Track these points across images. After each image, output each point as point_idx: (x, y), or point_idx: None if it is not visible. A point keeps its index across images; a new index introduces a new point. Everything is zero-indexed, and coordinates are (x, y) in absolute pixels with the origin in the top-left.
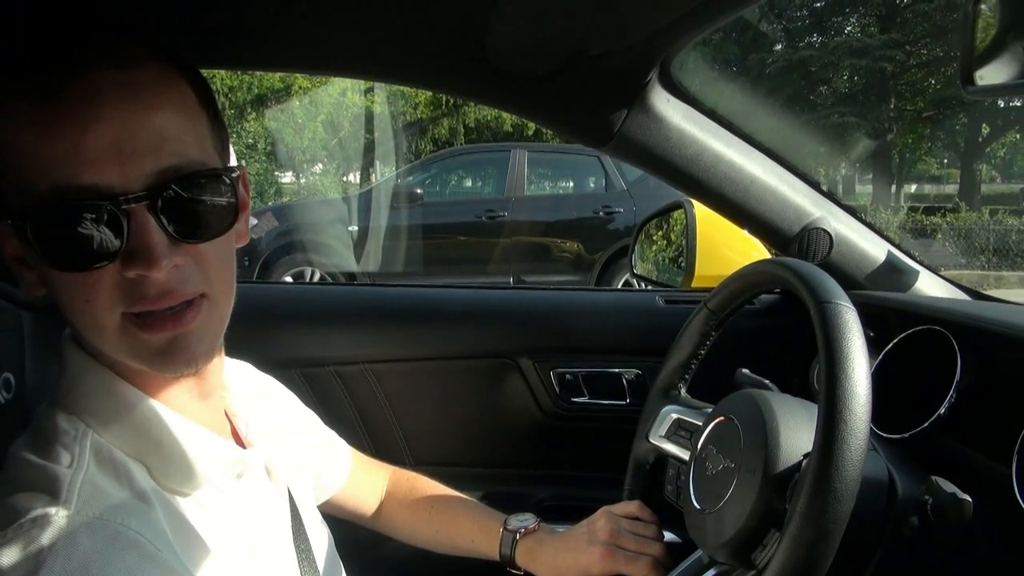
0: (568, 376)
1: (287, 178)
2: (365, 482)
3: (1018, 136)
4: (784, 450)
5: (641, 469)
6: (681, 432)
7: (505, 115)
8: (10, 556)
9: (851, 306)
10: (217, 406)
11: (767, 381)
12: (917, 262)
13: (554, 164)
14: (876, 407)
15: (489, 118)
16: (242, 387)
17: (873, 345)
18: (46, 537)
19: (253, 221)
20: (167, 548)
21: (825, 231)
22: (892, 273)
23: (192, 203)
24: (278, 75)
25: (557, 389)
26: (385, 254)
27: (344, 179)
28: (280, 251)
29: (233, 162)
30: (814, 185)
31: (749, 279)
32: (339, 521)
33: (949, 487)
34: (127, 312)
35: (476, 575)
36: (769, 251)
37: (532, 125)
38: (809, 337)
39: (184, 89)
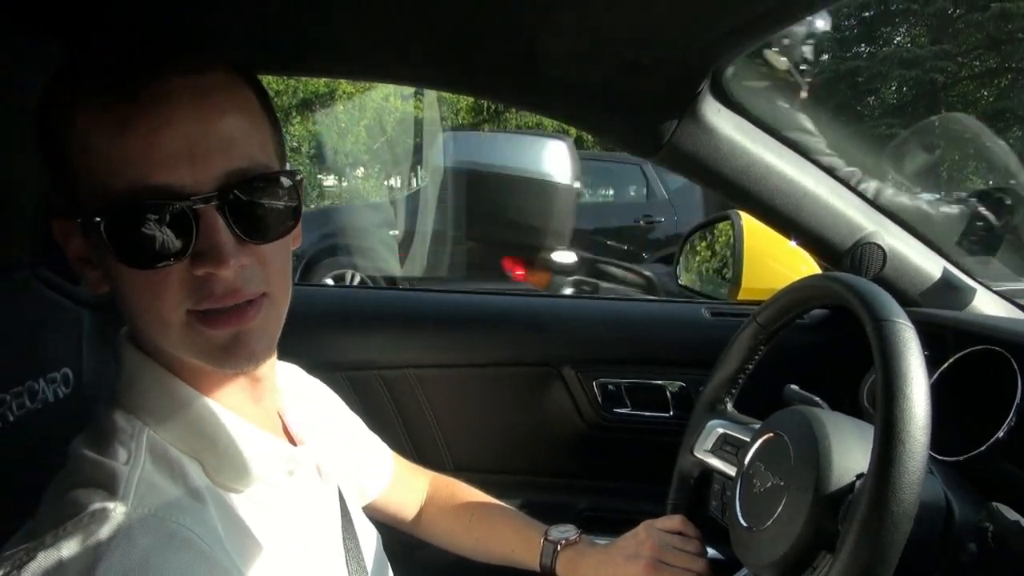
0: (611, 386)
1: (330, 181)
2: (406, 487)
3: None
4: (836, 470)
5: (685, 483)
6: (727, 447)
7: (547, 121)
8: (70, 549)
9: (910, 324)
10: (270, 406)
11: (817, 398)
12: (974, 279)
13: (595, 171)
14: (932, 429)
15: (530, 124)
16: (292, 389)
17: (930, 364)
18: (104, 532)
19: None
20: (219, 546)
21: (878, 246)
22: (948, 290)
23: (258, 205)
24: (323, 80)
25: (599, 399)
26: (427, 259)
27: (386, 183)
28: (323, 253)
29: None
30: (866, 198)
31: (801, 293)
32: (381, 524)
33: (1012, 514)
34: (192, 309)
35: None
36: (819, 265)
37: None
38: (861, 354)
39: (248, 95)
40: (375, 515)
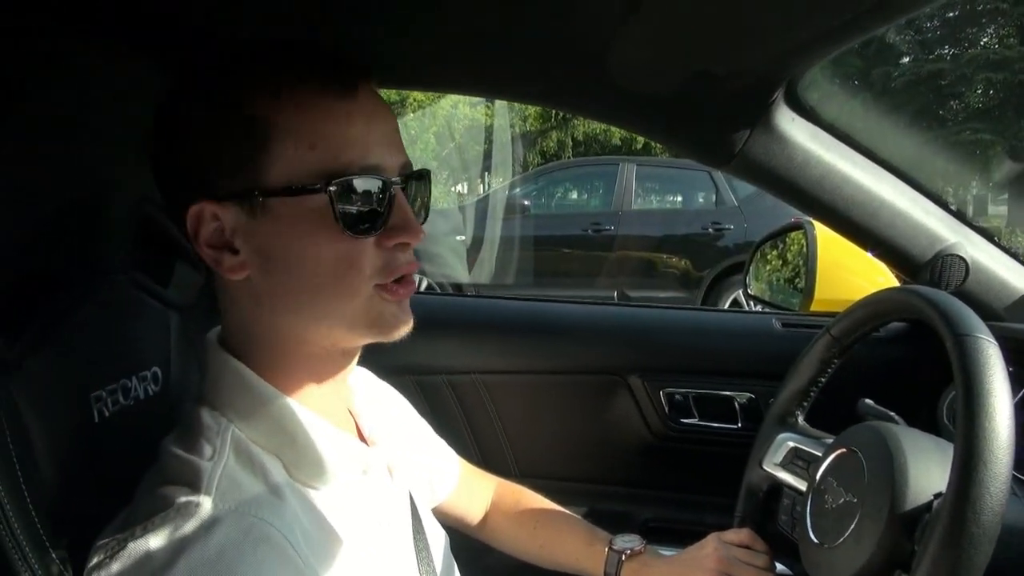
0: (678, 396)
1: None
2: (471, 492)
3: None
4: (913, 488)
5: (754, 496)
6: (798, 461)
7: (614, 128)
8: (157, 540)
9: (993, 340)
10: (344, 405)
11: (893, 413)
12: None
13: (663, 178)
14: (1016, 448)
15: (598, 131)
16: (363, 391)
17: (1014, 381)
18: (188, 525)
19: None
20: (296, 541)
21: (960, 258)
22: None
23: (420, 194)
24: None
25: (666, 409)
26: (495, 265)
27: (454, 189)
28: None
29: None
30: (947, 208)
31: (878, 306)
32: (448, 527)
33: None
34: (378, 283)
35: None
36: (898, 277)
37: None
38: (939, 369)
39: None
40: (441, 518)
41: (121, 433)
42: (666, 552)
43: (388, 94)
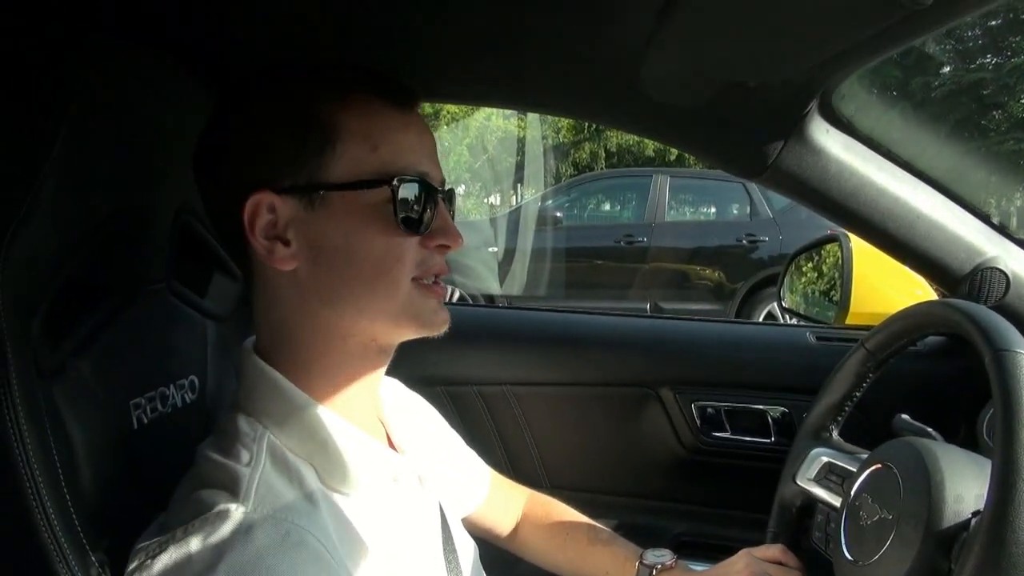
0: (710, 410)
1: None
2: (502, 504)
3: None
4: (950, 505)
5: (786, 512)
6: (832, 477)
7: (647, 140)
8: (197, 544)
9: None
10: (375, 413)
11: (930, 429)
12: None
13: (697, 190)
14: None
15: (631, 143)
16: (393, 401)
17: None
18: (226, 530)
19: None
20: (332, 547)
21: (1000, 271)
22: None
23: (451, 205)
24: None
25: (698, 422)
26: (526, 277)
27: (486, 201)
28: None
29: None
30: (987, 220)
31: (914, 320)
32: (477, 538)
33: None
34: (416, 278)
35: None
36: (935, 291)
37: (675, 150)
38: (978, 385)
39: None
40: (471, 529)
41: (159, 440)
42: (697, 567)
43: (423, 106)
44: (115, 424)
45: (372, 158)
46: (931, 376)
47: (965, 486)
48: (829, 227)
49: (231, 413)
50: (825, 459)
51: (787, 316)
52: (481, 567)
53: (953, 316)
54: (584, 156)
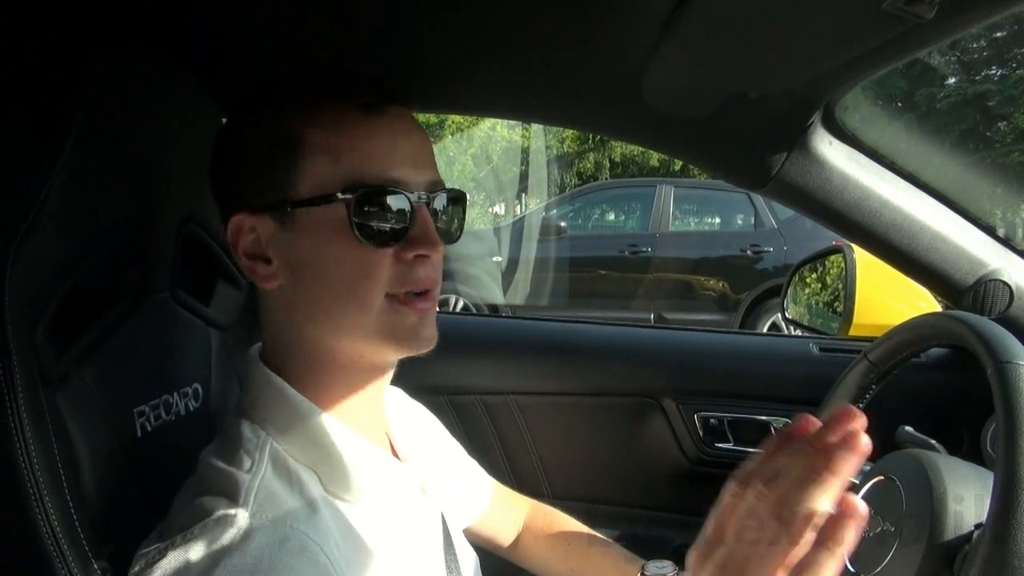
0: (713, 420)
1: None
2: (503, 514)
3: None
4: (953, 518)
5: None
6: None
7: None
8: (196, 550)
9: None
10: (380, 423)
11: (933, 441)
12: None
13: (701, 200)
14: None
15: (635, 153)
16: (395, 410)
17: None
18: (226, 535)
19: None
20: (332, 553)
21: (1004, 283)
22: None
23: (448, 211)
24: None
25: (701, 433)
26: (529, 286)
27: (490, 210)
28: None
29: None
30: (991, 232)
31: (917, 332)
32: (479, 547)
33: None
34: (391, 293)
35: None
36: (938, 302)
37: (679, 161)
38: (982, 397)
39: None
40: (472, 539)
41: (162, 447)
42: None
43: (427, 117)
44: (119, 432)
45: (334, 170)
46: (935, 388)
47: (968, 499)
48: (834, 238)
49: (235, 419)
50: None
51: (791, 327)
52: None
53: (956, 328)
54: (588, 166)
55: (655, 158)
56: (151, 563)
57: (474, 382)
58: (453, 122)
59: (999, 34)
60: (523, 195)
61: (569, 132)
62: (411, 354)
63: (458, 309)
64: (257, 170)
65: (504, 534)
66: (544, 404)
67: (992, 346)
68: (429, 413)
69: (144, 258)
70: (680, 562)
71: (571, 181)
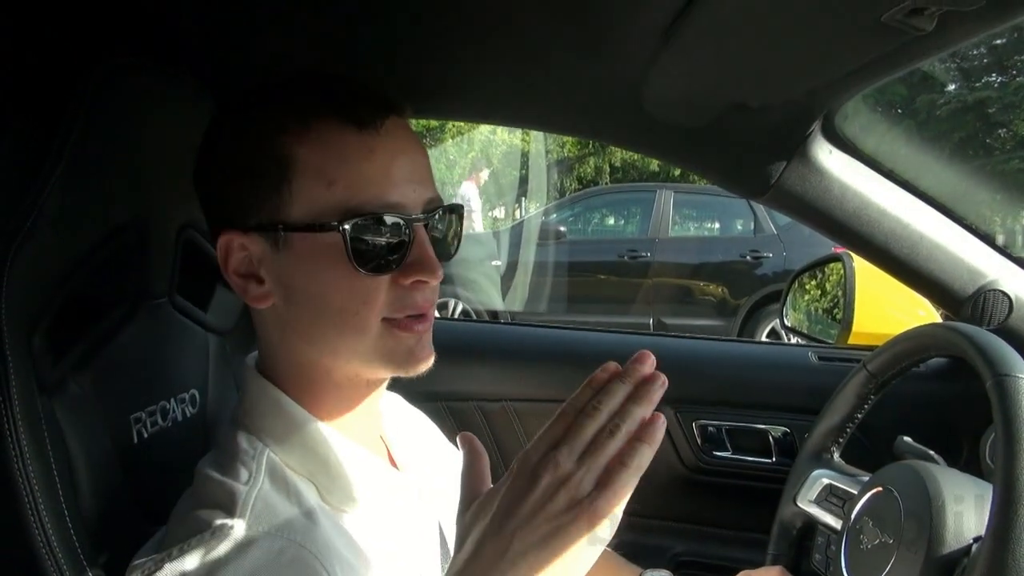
0: (711, 428)
1: None
2: None
3: None
4: (951, 530)
5: (787, 534)
6: (832, 499)
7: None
8: (192, 562)
9: None
10: (376, 430)
11: (932, 452)
12: None
13: (701, 206)
14: None
15: (635, 158)
16: (394, 417)
17: None
18: (222, 547)
19: None
20: (329, 563)
21: (1004, 293)
22: None
23: (447, 230)
24: None
25: (699, 441)
26: (529, 291)
27: (490, 214)
28: None
29: None
30: (991, 241)
31: (916, 342)
32: None
33: None
34: (387, 317)
35: None
36: (937, 311)
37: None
38: (981, 408)
39: None
40: None
41: (159, 454)
42: None
43: (427, 121)
44: (115, 438)
45: (328, 195)
46: (934, 398)
47: (966, 511)
48: (834, 244)
49: (231, 430)
50: (826, 481)
51: (790, 335)
52: None
53: (955, 339)
54: (588, 170)
55: (655, 163)
56: (147, 574)
57: (472, 388)
58: (453, 125)
59: (999, 41)
60: (523, 199)
61: (569, 137)
62: (408, 375)
63: (457, 313)
64: (245, 188)
65: None
66: (542, 411)
67: (991, 358)
68: (427, 420)
69: (143, 263)
70: (677, 570)
71: (571, 185)
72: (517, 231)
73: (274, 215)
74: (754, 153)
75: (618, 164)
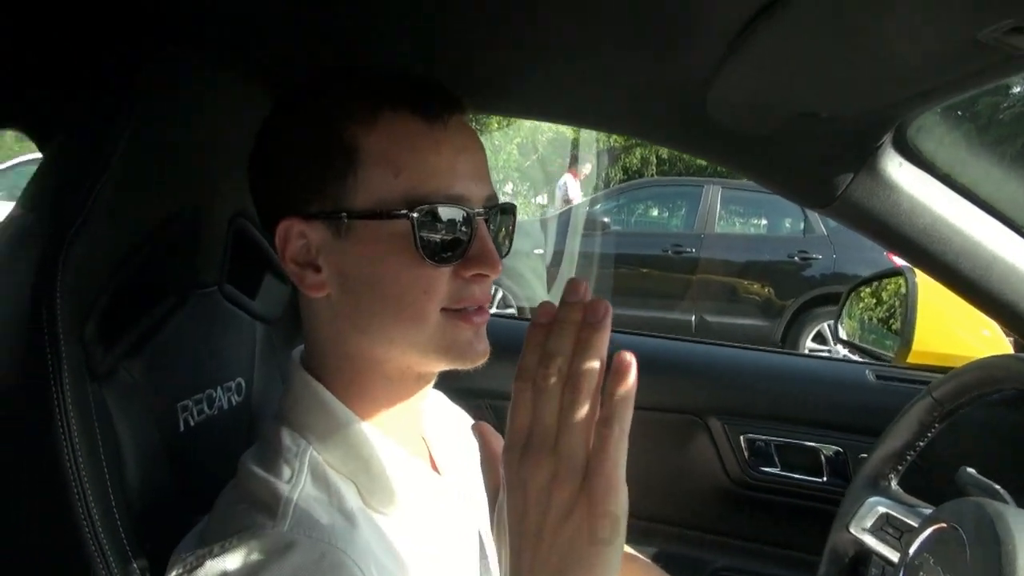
0: (760, 443)
1: None
2: None
3: None
4: None
5: (838, 560)
6: (889, 529)
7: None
8: (233, 562)
9: None
10: (418, 431)
11: (998, 487)
12: None
13: (749, 202)
14: None
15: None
16: (436, 416)
17: None
18: (263, 549)
19: None
20: (369, 569)
21: None
22: None
23: (504, 225)
24: None
25: (746, 455)
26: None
27: (534, 200)
28: None
29: None
30: None
31: (987, 373)
32: None
33: None
34: (447, 308)
35: None
36: (1006, 333)
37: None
38: None
39: None
40: None
41: (204, 443)
42: None
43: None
44: (162, 426)
45: (395, 184)
46: (1001, 427)
47: None
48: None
49: (275, 425)
50: (883, 510)
51: (847, 349)
52: None
53: None
54: (635, 161)
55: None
56: (189, 570)
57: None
58: None
59: None
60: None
61: None
62: (464, 368)
63: (496, 300)
64: (308, 176)
65: None
66: None
67: None
68: (469, 419)
69: (194, 253)
70: None
71: (616, 175)
72: (562, 219)
73: (338, 202)
74: (820, 164)
75: (665, 156)
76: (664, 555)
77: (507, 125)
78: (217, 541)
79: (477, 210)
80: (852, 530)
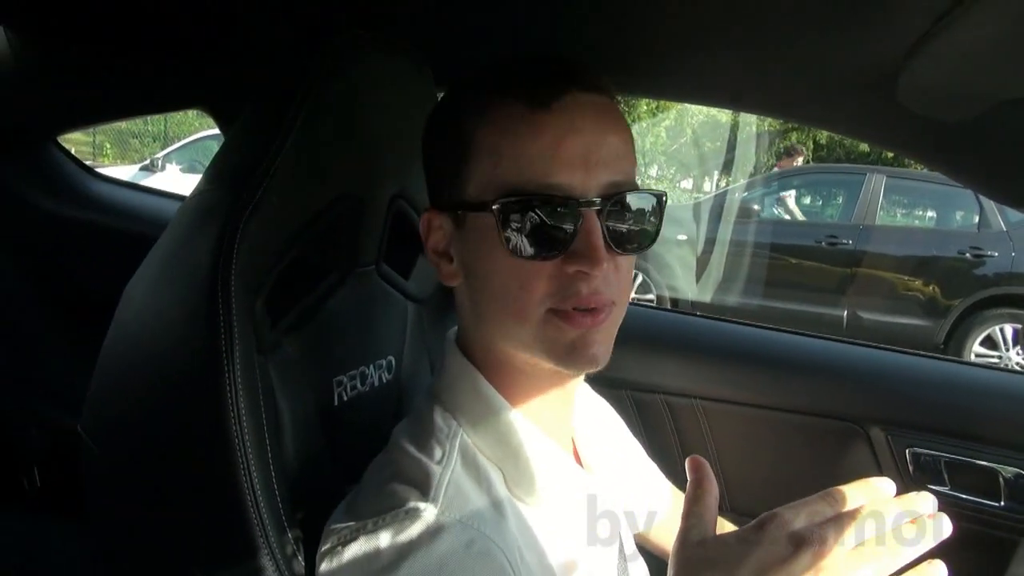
0: (927, 458)
1: None
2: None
3: None
4: None
5: None
6: None
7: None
8: (386, 539)
9: None
10: (566, 424)
11: None
12: None
13: (916, 192)
14: None
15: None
16: (581, 408)
17: None
18: (414, 530)
19: None
20: (515, 559)
21: None
22: None
23: (630, 217)
24: None
25: (911, 469)
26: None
27: (678, 185)
28: None
29: None
30: None
31: None
32: (648, 555)
33: None
34: (552, 307)
35: None
36: None
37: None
38: None
39: (623, 116)
40: (645, 546)
41: (355, 417)
42: None
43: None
44: (318, 400)
45: (493, 173)
46: None
47: None
48: None
49: (428, 402)
50: None
51: None
52: None
53: None
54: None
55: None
56: (344, 542)
57: (660, 381)
58: None
59: None
60: (715, 172)
61: None
62: (572, 372)
63: (635, 285)
64: (440, 168)
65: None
66: (733, 414)
67: None
68: (612, 412)
69: (356, 232)
70: None
71: (768, 161)
72: (713, 205)
73: (455, 194)
74: (1020, 155)
75: (823, 142)
76: None
77: (656, 107)
78: (371, 516)
79: (586, 199)
80: None
